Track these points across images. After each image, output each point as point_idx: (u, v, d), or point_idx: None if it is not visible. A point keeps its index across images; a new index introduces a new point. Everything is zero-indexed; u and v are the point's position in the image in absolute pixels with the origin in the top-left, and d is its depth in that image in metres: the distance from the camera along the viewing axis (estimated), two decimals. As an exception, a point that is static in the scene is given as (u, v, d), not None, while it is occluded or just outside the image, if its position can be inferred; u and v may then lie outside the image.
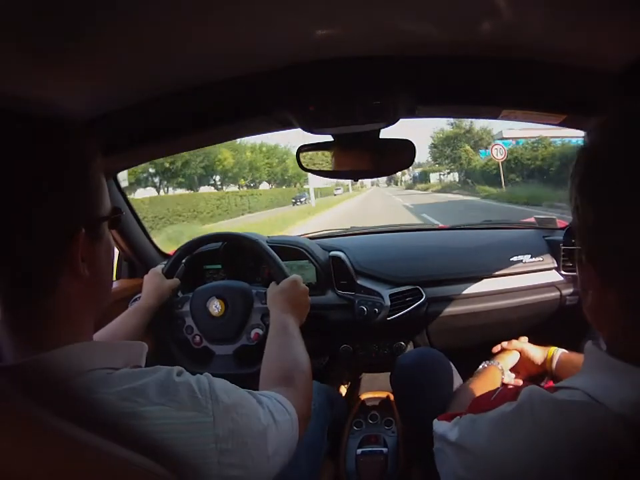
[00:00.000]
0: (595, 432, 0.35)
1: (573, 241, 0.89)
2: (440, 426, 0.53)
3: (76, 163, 0.42)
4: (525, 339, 0.91)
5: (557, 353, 0.82)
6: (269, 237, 1.26)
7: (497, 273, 1.19)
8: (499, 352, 0.89)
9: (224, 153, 25.47)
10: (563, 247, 1.15)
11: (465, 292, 1.17)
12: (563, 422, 0.37)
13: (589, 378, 0.39)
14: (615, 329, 0.39)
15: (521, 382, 0.86)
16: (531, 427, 0.38)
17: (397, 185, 51.79)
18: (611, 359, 0.38)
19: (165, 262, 1.05)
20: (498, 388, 0.62)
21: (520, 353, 0.87)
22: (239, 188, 28.90)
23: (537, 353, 0.85)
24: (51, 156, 0.40)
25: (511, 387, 0.83)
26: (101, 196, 0.45)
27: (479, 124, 28.97)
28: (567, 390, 0.39)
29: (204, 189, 25.64)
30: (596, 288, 0.38)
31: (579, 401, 0.37)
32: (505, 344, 0.90)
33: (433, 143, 33.30)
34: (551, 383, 0.79)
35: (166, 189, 23.92)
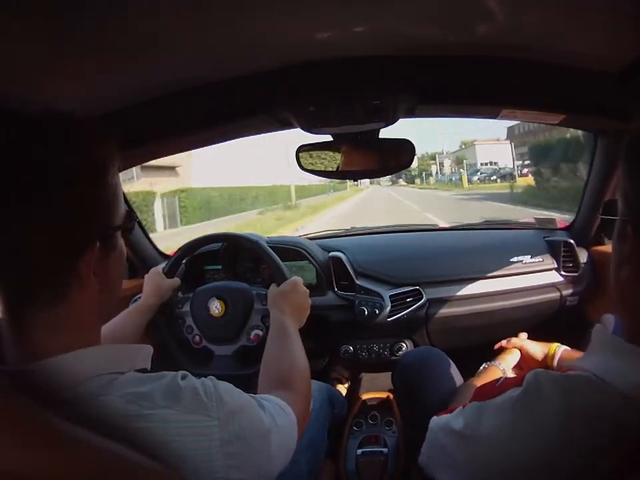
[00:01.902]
0: (602, 411, 0.35)
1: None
2: (440, 418, 0.52)
3: (91, 168, 0.39)
4: (524, 335, 0.91)
5: (559, 350, 0.82)
6: (268, 237, 1.26)
7: (497, 273, 1.18)
8: (499, 352, 0.89)
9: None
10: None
11: (465, 292, 1.17)
12: (570, 401, 0.37)
13: (597, 359, 0.39)
14: None
15: None
16: (538, 408, 0.38)
17: (413, 183, 37.84)
18: (620, 340, 0.38)
19: (166, 262, 1.05)
20: (502, 377, 0.62)
21: (520, 350, 0.87)
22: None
23: (537, 350, 0.85)
24: (64, 160, 0.37)
25: (515, 376, 0.82)
26: (117, 203, 0.42)
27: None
28: (574, 372, 0.39)
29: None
30: (635, 262, 0.38)
31: (586, 381, 0.37)
32: (504, 342, 0.90)
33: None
34: None
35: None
